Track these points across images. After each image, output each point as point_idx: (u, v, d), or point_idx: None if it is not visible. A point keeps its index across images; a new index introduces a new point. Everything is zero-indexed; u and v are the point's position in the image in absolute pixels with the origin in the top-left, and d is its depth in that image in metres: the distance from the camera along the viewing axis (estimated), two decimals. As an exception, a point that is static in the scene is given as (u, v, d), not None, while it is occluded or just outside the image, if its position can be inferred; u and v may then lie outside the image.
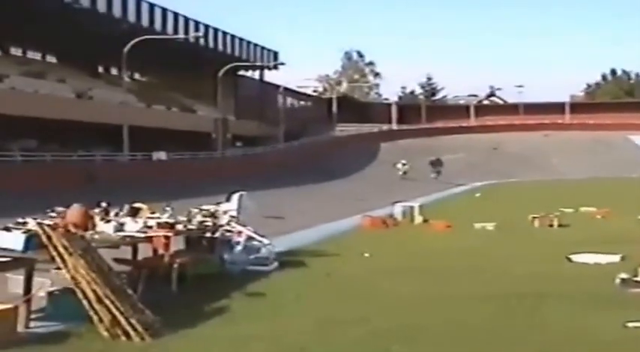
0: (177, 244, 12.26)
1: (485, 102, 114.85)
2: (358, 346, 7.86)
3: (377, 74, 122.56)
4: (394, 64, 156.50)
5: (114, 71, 65.33)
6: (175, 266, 10.93)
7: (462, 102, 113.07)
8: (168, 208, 12.75)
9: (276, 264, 13.36)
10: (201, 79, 68.69)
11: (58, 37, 52.55)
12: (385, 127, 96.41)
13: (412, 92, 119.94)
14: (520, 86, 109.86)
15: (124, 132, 49.89)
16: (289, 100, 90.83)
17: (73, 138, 48.80)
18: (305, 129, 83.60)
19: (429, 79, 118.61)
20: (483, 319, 9.22)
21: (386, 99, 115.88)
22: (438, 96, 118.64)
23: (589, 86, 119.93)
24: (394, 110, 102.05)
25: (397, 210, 24.68)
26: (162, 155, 53.90)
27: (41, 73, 53.05)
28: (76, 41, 52.59)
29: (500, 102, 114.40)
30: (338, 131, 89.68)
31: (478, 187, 50.54)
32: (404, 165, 64.71)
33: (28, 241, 8.52)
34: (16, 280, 9.52)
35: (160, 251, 11.33)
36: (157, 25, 60.00)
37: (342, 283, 11.89)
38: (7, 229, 9.06)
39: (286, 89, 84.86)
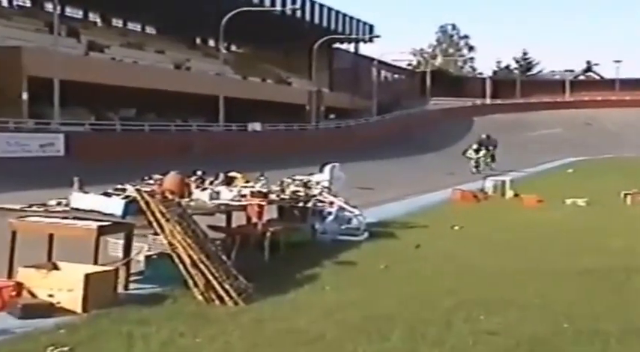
0: (270, 213, 12.45)
1: (582, 77, 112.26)
2: (445, 317, 7.88)
3: (471, 48, 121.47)
4: (489, 38, 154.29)
5: (211, 43, 66.35)
6: (268, 234, 11.11)
7: (557, 77, 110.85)
8: (262, 178, 13.01)
9: (366, 234, 13.46)
10: (297, 51, 69.10)
11: (157, 9, 53.53)
12: (479, 102, 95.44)
13: (507, 67, 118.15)
14: (618, 61, 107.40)
15: (219, 103, 50.57)
16: (383, 73, 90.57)
17: (170, 108, 49.75)
18: (398, 103, 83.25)
19: (525, 53, 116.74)
20: (571, 293, 9.18)
21: (480, 73, 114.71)
22: (534, 71, 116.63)
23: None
24: (488, 84, 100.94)
25: (488, 184, 24.66)
26: (257, 126, 54.46)
27: (141, 44, 54.09)
28: (175, 13, 53.45)
29: (597, 77, 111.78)
30: (431, 105, 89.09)
31: (571, 163, 49.68)
32: (477, 151, 41.21)
33: (127, 207, 8.71)
34: (115, 244, 9.87)
35: (254, 219, 11.53)
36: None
37: (431, 255, 11.91)
38: (107, 194, 9.35)
39: (380, 62, 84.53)
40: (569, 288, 9.49)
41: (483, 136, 44.41)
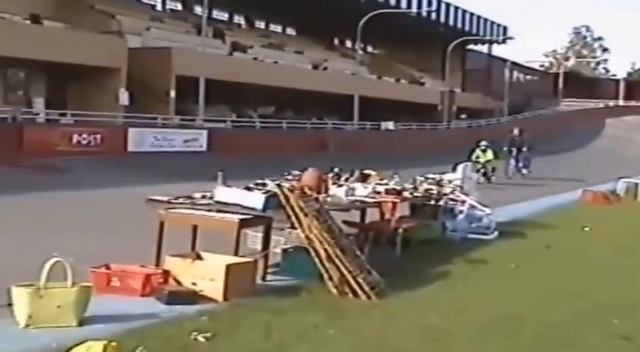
0: (403, 210, 12.60)
1: None
2: (576, 319, 7.88)
3: (605, 50, 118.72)
4: (624, 40, 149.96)
5: (348, 44, 67.03)
6: (400, 231, 11.27)
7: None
8: (395, 176, 13.21)
9: (496, 233, 13.49)
10: (431, 52, 69.01)
11: (298, 11, 54.42)
12: (611, 103, 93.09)
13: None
14: None
15: (354, 102, 50.99)
16: (515, 74, 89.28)
17: (307, 106, 50.58)
18: (529, 104, 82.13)
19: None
20: None
21: (614, 75, 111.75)
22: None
23: None
24: (622, 86, 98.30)
25: (620, 186, 24.03)
26: (390, 125, 54.69)
27: (281, 44, 55.18)
28: (315, 14, 54.27)
29: None
30: (563, 106, 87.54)
31: None
32: (484, 151, 28.64)
33: (267, 201, 8.91)
34: (253, 236, 10.20)
35: (387, 215, 11.72)
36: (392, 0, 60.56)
37: (561, 256, 11.85)
38: (249, 189, 9.59)
39: (513, 63, 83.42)
40: None
41: (515, 132, 33.28)
